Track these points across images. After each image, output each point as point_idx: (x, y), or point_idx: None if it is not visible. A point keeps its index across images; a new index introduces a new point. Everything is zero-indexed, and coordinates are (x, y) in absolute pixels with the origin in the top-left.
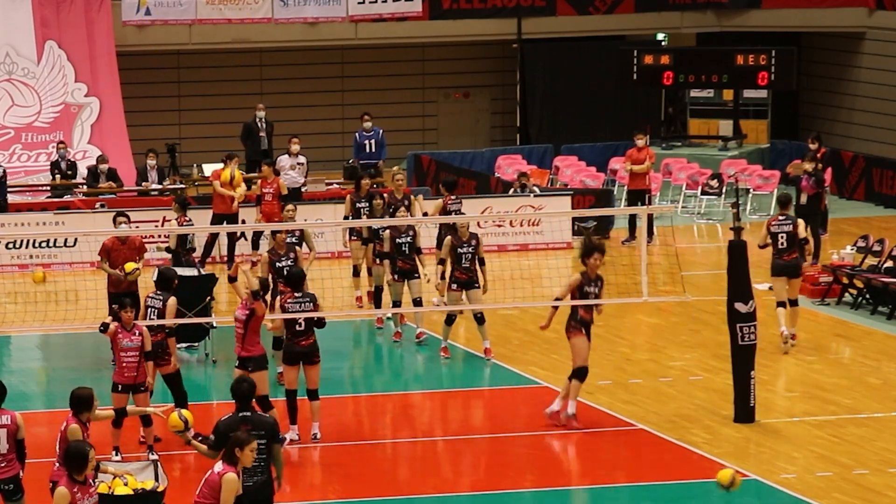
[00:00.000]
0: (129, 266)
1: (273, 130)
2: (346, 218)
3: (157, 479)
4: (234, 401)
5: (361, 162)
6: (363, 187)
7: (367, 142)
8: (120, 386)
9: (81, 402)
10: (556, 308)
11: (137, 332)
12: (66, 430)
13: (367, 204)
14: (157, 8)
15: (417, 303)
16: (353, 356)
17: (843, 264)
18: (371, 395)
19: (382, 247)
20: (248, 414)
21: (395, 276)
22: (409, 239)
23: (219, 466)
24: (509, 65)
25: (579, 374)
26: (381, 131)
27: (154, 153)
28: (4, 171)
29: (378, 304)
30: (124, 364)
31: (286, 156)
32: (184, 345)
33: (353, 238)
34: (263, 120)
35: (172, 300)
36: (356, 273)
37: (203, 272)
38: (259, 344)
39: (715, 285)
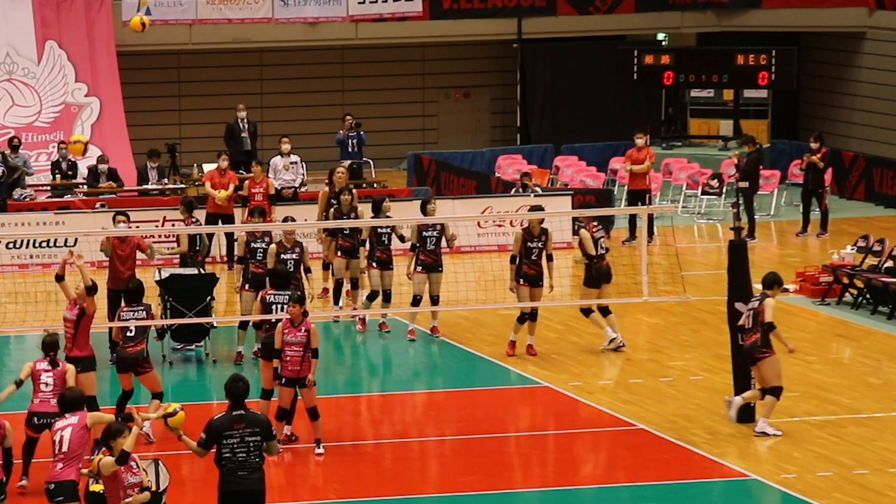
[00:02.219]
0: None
1: (256, 131)
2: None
3: (157, 478)
4: (227, 400)
5: (347, 162)
6: (336, 183)
7: (350, 141)
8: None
9: (75, 403)
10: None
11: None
12: (83, 418)
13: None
14: (157, 8)
15: (435, 300)
16: (351, 356)
17: (844, 264)
18: (371, 395)
19: (346, 242)
20: (242, 412)
21: (420, 269)
22: (435, 233)
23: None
24: (509, 65)
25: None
26: (361, 133)
27: (156, 156)
28: (4, 171)
29: (337, 299)
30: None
31: (279, 157)
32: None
33: (325, 234)
34: (246, 120)
35: (152, 307)
36: (326, 267)
37: (204, 272)
38: (89, 345)
39: (715, 285)
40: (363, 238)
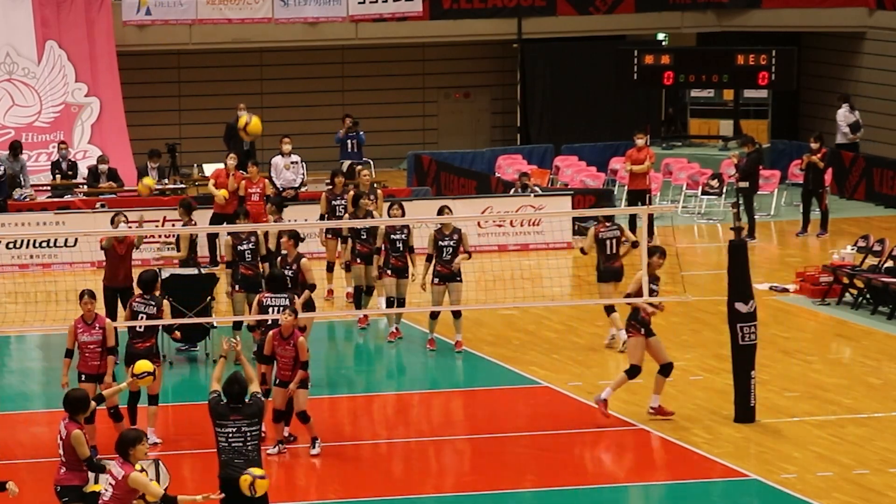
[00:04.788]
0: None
1: None
2: (322, 216)
3: (158, 478)
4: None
5: (347, 161)
6: (338, 185)
7: (349, 141)
8: (84, 376)
9: (78, 404)
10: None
11: (98, 325)
12: (69, 437)
13: (343, 201)
14: (157, 8)
15: (401, 302)
16: (348, 356)
17: (844, 264)
18: (370, 395)
19: (364, 248)
20: (240, 405)
21: (389, 272)
22: (403, 236)
23: (118, 470)
24: (509, 65)
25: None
26: (362, 133)
27: (156, 156)
28: (5, 171)
29: (358, 305)
30: (87, 354)
31: (279, 157)
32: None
33: (328, 236)
34: None
35: (166, 302)
36: (330, 269)
37: (204, 272)
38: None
39: (715, 285)
40: (377, 245)
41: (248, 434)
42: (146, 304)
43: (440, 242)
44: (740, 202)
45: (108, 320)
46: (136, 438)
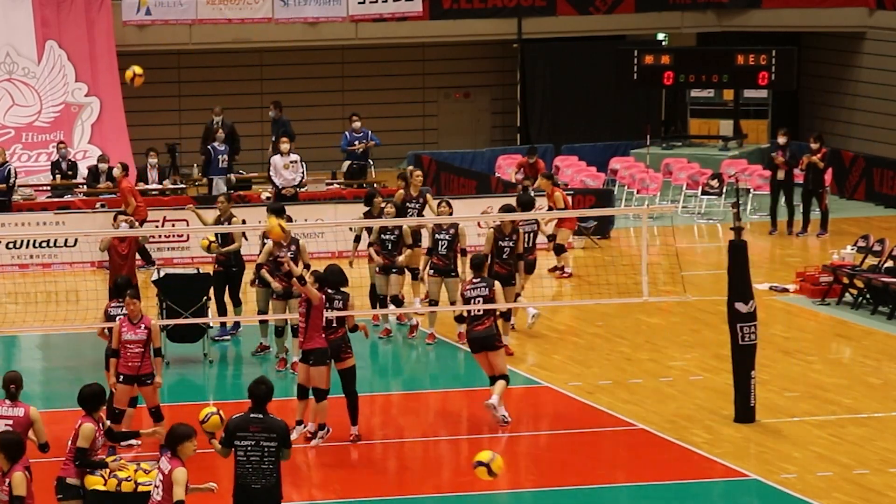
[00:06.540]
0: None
1: (235, 132)
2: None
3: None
4: (249, 400)
5: (348, 161)
6: (376, 206)
7: (356, 142)
8: (122, 376)
9: (92, 399)
10: None
11: (143, 325)
12: (79, 428)
13: (417, 205)
14: (157, 8)
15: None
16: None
17: (844, 264)
18: (371, 394)
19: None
20: (260, 416)
21: (432, 272)
22: (447, 237)
23: (166, 464)
24: (509, 65)
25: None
26: (370, 132)
27: (155, 152)
28: (9, 171)
29: (374, 304)
30: (128, 355)
31: (278, 156)
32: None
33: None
34: (220, 123)
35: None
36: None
37: (200, 272)
38: (321, 337)
39: (715, 285)
40: (408, 243)
41: (266, 449)
42: (122, 307)
43: (437, 236)
44: (741, 204)
45: (153, 321)
46: (186, 435)
